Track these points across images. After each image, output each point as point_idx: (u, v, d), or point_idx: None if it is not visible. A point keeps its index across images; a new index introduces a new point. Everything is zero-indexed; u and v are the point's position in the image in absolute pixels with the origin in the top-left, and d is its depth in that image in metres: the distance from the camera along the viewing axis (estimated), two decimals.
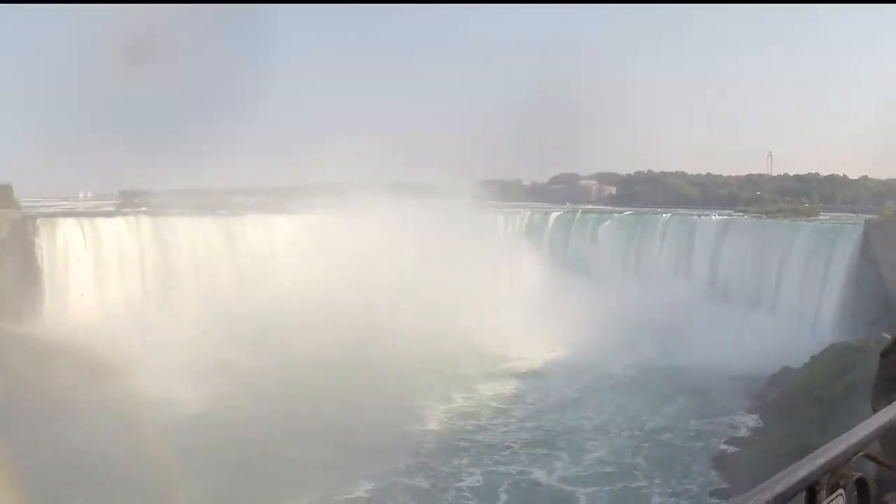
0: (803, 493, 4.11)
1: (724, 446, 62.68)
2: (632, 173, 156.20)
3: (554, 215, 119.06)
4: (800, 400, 63.57)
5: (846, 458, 4.41)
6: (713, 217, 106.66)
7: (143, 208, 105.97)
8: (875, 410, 5.75)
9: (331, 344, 79.96)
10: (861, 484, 4.49)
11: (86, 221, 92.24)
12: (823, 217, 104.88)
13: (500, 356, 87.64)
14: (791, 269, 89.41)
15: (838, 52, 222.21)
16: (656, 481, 56.82)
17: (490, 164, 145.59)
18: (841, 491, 4.33)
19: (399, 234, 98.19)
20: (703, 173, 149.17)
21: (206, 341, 79.29)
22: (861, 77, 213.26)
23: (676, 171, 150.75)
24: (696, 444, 63.62)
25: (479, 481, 57.27)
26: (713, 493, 54.70)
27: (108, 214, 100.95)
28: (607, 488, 55.88)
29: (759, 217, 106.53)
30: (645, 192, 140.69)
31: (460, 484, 56.87)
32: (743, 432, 65.74)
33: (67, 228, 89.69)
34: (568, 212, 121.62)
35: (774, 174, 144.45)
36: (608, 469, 59.10)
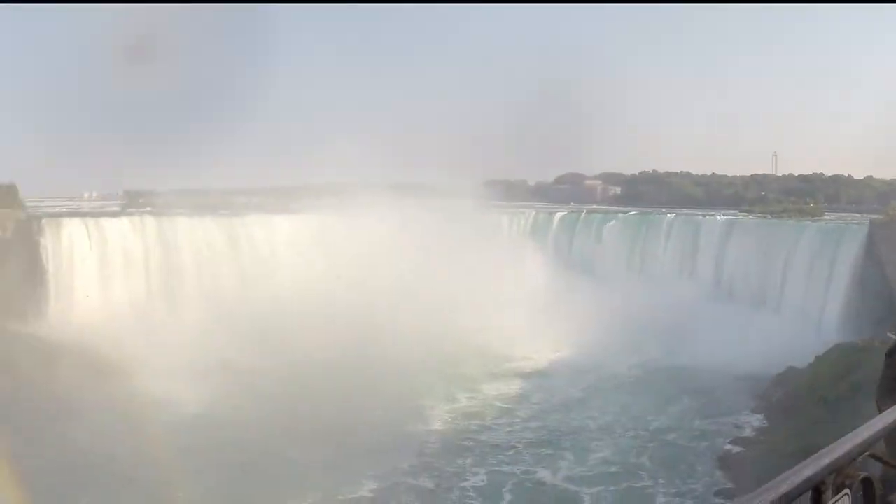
0: (808, 494, 4.09)
1: (728, 446, 62.64)
2: (636, 173, 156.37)
3: (559, 215, 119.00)
4: (805, 400, 63.50)
5: (851, 458, 4.39)
6: (718, 217, 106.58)
7: (148, 208, 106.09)
8: (880, 410, 5.72)
9: (333, 344, 79.95)
10: (866, 484, 4.47)
11: (91, 221, 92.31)
12: (828, 217, 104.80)
13: (505, 356, 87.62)
14: (796, 269, 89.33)
15: (840, 51, 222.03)
16: (661, 481, 56.80)
17: (494, 164, 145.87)
18: (846, 491, 4.31)
19: (401, 235, 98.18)
20: (708, 173, 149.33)
21: (208, 341, 79.31)
22: (863, 77, 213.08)
23: (681, 171, 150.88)
24: (701, 444, 63.57)
25: (483, 481, 57.24)
26: (718, 493, 54.67)
27: (113, 214, 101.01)
28: (612, 488, 55.84)
29: (764, 217, 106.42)
30: (650, 192, 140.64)
31: (464, 484, 56.85)
32: (748, 432, 65.67)
33: (72, 228, 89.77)
34: (573, 212, 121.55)
35: (779, 174, 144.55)
36: (613, 469, 59.07)
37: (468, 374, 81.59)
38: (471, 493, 55.48)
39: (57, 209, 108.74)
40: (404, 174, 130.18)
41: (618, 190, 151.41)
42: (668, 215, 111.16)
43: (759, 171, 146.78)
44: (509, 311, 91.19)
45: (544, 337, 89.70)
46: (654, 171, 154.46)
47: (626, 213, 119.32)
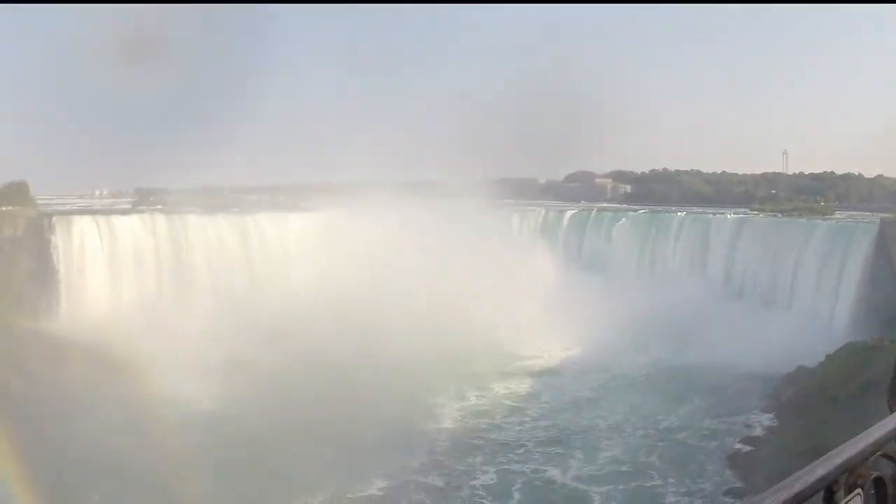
0: (821, 493, 4.10)
1: (738, 445, 62.56)
2: (647, 171, 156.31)
3: (569, 214, 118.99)
4: (815, 399, 63.37)
5: (863, 458, 4.40)
6: (728, 216, 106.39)
7: (159, 206, 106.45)
8: (891, 410, 5.76)
9: (343, 341, 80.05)
10: (879, 483, 4.48)
11: (101, 219, 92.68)
12: (839, 216, 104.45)
13: (515, 354, 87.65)
14: (806, 267, 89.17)
15: (852, 51, 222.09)
16: (670, 480, 56.75)
17: (505, 163, 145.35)
18: (859, 490, 4.32)
19: (411, 233, 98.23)
20: (719, 172, 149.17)
21: (219, 338, 79.49)
22: (875, 76, 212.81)
23: (692, 170, 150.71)
24: (711, 444, 63.49)
25: (492, 479, 57.28)
26: (727, 493, 54.60)
27: (124, 212, 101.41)
28: (621, 487, 55.83)
29: (775, 215, 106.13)
30: (660, 191, 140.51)
31: (474, 482, 56.88)
32: (758, 431, 65.56)
33: (83, 226, 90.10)
34: (583, 210, 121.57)
35: (790, 172, 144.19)
36: (622, 468, 59.05)
37: (478, 371, 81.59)
38: (480, 492, 55.51)
39: (68, 207, 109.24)
40: (414, 173, 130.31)
41: (628, 188, 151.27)
42: (679, 214, 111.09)
43: (770, 170, 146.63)
44: (519, 310, 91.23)
45: (554, 335, 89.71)
46: (664, 169, 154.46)
47: (636, 211, 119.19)
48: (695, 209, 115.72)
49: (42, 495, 50.49)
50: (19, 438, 56.50)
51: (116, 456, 56.88)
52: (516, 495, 55.16)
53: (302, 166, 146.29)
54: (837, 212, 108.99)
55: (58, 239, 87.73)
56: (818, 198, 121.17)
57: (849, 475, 4.27)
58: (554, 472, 58.59)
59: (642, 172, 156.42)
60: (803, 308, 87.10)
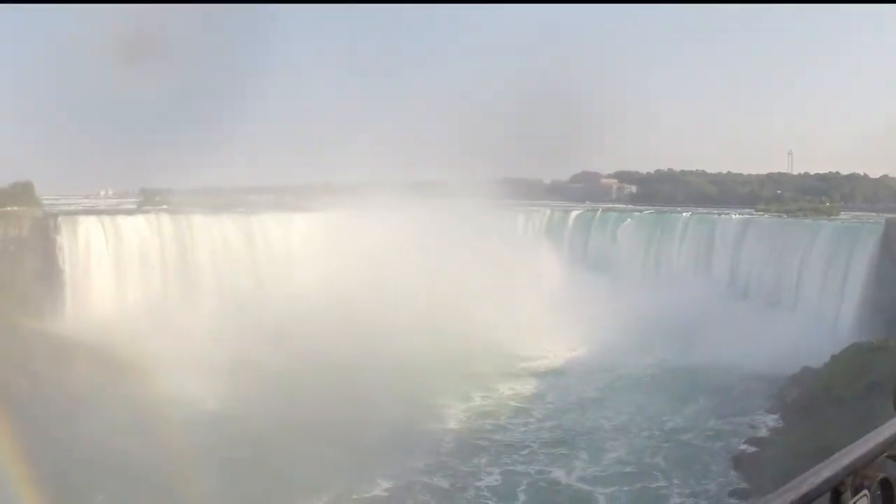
0: (827, 495, 4.09)
1: (743, 446, 62.52)
2: (652, 172, 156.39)
3: (574, 214, 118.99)
4: (820, 400, 63.29)
5: (870, 459, 4.38)
6: (733, 216, 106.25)
7: (164, 206, 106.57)
8: None
9: (348, 342, 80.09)
10: (885, 485, 4.46)
11: (107, 219, 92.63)
12: (844, 216, 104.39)
13: (520, 355, 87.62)
14: (811, 268, 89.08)
15: (856, 51, 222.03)
16: (675, 481, 56.73)
17: (510, 163, 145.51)
18: (865, 492, 4.30)
19: (416, 233, 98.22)
20: (724, 172, 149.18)
21: (224, 339, 79.52)
22: (879, 76, 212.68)
23: (697, 170, 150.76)
24: (716, 444, 63.46)
25: (497, 481, 57.27)
26: (732, 494, 54.60)
27: (129, 212, 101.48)
28: (626, 488, 55.82)
29: (780, 216, 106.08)
30: (665, 191, 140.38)
31: (479, 483, 56.88)
32: (763, 432, 65.53)
33: (89, 226, 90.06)
34: (588, 210, 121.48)
35: (795, 173, 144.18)
36: (627, 469, 59.03)
37: (483, 372, 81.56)
38: (485, 493, 55.51)
39: (73, 207, 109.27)
40: (417, 173, 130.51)
41: (633, 188, 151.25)
42: (684, 214, 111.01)
43: (775, 170, 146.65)
44: (524, 310, 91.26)
45: (559, 335, 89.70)
46: (669, 169, 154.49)
47: (641, 211, 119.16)
48: (700, 210, 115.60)
49: (47, 496, 50.54)
50: (25, 439, 56.57)
51: (121, 456, 57.00)
52: (521, 496, 55.16)
53: (303, 166, 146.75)
54: (843, 212, 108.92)
55: (63, 239, 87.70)
56: (823, 198, 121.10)
57: (855, 477, 4.25)
58: (559, 473, 58.58)
59: (647, 173, 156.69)
60: (808, 309, 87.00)
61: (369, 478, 55.85)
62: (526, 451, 62.71)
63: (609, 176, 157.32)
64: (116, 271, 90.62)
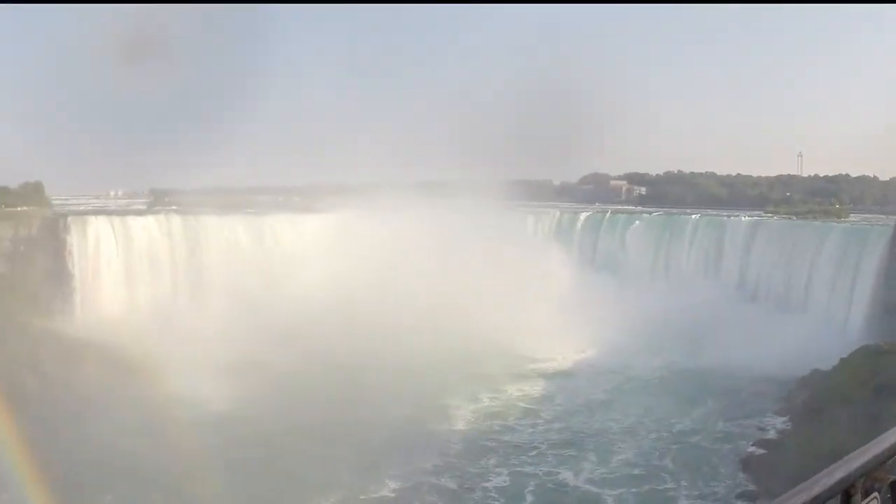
0: (838, 497, 4.11)
1: (752, 448, 62.35)
2: (661, 173, 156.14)
3: (583, 216, 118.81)
4: (829, 402, 63.01)
5: (880, 462, 4.40)
6: (743, 218, 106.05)
7: (174, 207, 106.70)
8: None
9: (356, 343, 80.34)
10: None
11: (116, 220, 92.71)
12: (853, 218, 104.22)
13: (528, 356, 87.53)
14: (821, 270, 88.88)
15: (865, 52, 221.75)
16: (683, 483, 56.66)
17: (519, 164, 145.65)
18: (876, 494, 4.32)
19: (425, 234, 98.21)
20: (733, 174, 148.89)
21: (233, 339, 79.60)
22: (889, 79, 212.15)
23: (706, 172, 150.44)
24: (724, 447, 63.36)
25: (505, 482, 57.23)
26: (741, 496, 54.55)
27: (139, 213, 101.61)
28: (634, 490, 55.75)
29: (789, 218, 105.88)
30: (675, 193, 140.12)
31: (487, 484, 56.84)
32: (772, 434, 65.38)
33: (99, 226, 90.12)
34: (597, 212, 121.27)
35: (805, 175, 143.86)
36: (636, 471, 58.96)
37: (491, 373, 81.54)
38: (493, 494, 55.48)
39: (83, 207, 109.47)
40: (423, 173, 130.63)
41: (642, 190, 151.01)
42: (693, 216, 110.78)
43: (785, 172, 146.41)
44: (533, 312, 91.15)
45: (568, 337, 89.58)
46: (678, 171, 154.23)
47: (650, 213, 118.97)
48: (709, 212, 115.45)
49: (56, 496, 50.63)
50: (34, 439, 56.69)
51: (131, 457, 57.12)
52: (529, 497, 55.12)
53: (304, 167, 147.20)
54: (852, 214, 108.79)
55: (73, 239, 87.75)
56: (832, 200, 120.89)
57: (866, 479, 4.27)
58: (567, 475, 58.53)
59: (657, 175, 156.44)
60: (818, 311, 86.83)
61: (377, 478, 55.86)
62: (534, 453, 62.67)
63: (618, 177, 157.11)
64: (126, 272, 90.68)
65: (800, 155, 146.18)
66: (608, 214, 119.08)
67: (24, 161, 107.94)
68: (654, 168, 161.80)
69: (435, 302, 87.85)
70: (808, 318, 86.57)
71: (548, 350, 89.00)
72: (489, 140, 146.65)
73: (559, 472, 58.98)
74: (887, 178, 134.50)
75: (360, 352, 79.23)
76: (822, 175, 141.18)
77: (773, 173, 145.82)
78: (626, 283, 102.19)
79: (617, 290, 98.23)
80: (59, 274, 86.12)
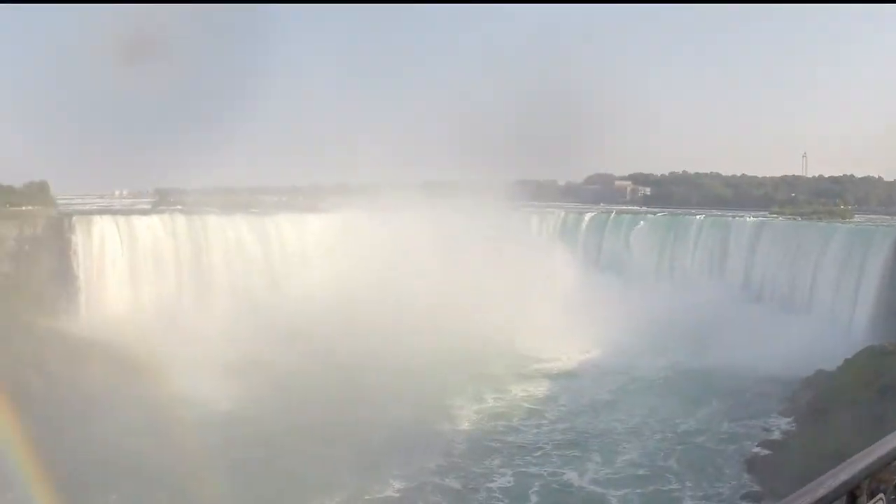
0: (843, 498, 4.10)
1: (757, 449, 62.28)
2: (666, 174, 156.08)
3: (588, 216, 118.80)
4: (834, 403, 62.98)
5: (886, 463, 4.40)
6: (747, 218, 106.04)
7: (179, 206, 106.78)
8: None
9: (360, 343, 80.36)
10: None
11: (121, 219, 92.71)
12: (858, 219, 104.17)
13: (533, 356, 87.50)
14: (825, 270, 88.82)
15: (870, 53, 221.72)
16: (688, 484, 56.59)
17: (524, 165, 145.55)
18: (881, 496, 4.32)
19: (429, 234, 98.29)
20: (738, 174, 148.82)
21: (237, 339, 79.76)
22: (891, 79, 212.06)
23: (711, 172, 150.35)
24: (729, 447, 63.27)
25: (510, 482, 57.19)
26: (745, 497, 54.49)
27: (144, 212, 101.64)
28: (639, 491, 55.70)
29: (794, 219, 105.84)
30: (680, 193, 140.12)
31: (491, 485, 56.81)
32: (776, 435, 65.29)
33: (103, 226, 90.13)
34: (602, 212, 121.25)
35: (809, 175, 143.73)
36: (640, 471, 58.89)
37: (496, 374, 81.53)
38: (497, 495, 55.44)
39: (88, 207, 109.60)
40: (429, 174, 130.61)
41: (647, 190, 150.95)
42: (698, 217, 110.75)
43: (790, 173, 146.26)
44: (538, 312, 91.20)
45: (573, 337, 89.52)
46: (683, 171, 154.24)
47: (655, 214, 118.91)
48: (714, 212, 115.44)
49: (61, 496, 50.68)
50: (39, 439, 56.76)
51: (135, 457, 57.11)
52: (533, 498, 55.09)
53: (305, 167, 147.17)
54: (857, 215, 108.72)
55: (78, 239, 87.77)
56: (837, 201, 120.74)
57: (871, 480, 4.27)
58: (571, 475, 58.48)
59: (661, 175, 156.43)
60: (822, 312, 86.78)
61: (381, 478, 55.84)
62: (539, 453, 62.63)
63: (623, 178, 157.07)
64: (131, 271, 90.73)
65: (804, 156, 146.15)
66: (613, 215, 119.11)
67: (25, 161, 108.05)
68: (659, 168, 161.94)
69: (439, 302, 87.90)
70: (812, 319, 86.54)
71: (552, 350, 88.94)
72: (490, 140, 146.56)
73: (564, 473, 58.93)
74: (892, 179, 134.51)
75: (362, 352, 79.24)
76: (826, 176, 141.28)
77: (777, 174, 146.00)
78: (630, 283, 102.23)
79: (621, 291, 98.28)
80: (63, 273, 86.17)
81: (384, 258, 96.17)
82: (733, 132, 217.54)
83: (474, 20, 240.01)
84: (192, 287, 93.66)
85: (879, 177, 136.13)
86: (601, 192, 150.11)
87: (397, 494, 54.35)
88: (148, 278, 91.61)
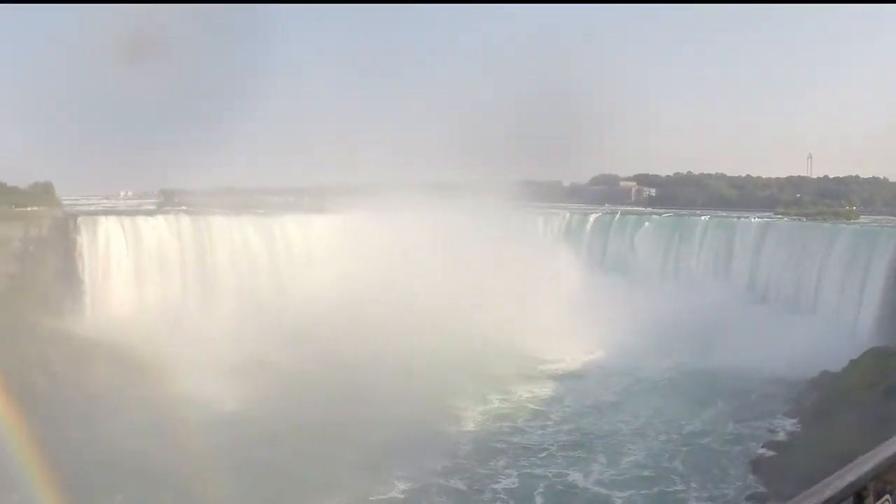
0: (850, 499, 4.10)
1: (762, 450, 62.14)
2: (671, 175, 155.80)
3: (593, 217, 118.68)
4: (839, 404, 62.85)
5: (892, 464, 4.39)
6: (753, 219, 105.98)
7: (184, 207, 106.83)
8: None
9: (366, 344, 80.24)
10: None
11: (126, 220, 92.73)
12: (864, 220, 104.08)
13: (537, 357, 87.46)
14: (831, 271, 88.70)
15: (875, 54, 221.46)
16: (693, 485, 56.55)
17: (529, 165, 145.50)
18: (888, 496, 4.31)
19: (434, 235, 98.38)
20: (743, 175, 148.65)
21: (243, 340, 79.81)
22: (891, 80, 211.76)
23: (716, 173, 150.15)
24: (734, 448, 63.21)
25: (515, 483, 57.17)
26: (750, 498, 54.39)
27: (149, 213, 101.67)
28: (644, 492, 55.67)
29: (799, 219, 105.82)
30: (685, 194, 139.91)
31: (496, 486, 56.78)
32: (781, 436, 65.20)
33: (109, 227, 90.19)
34: (607, 213, 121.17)
35: (815, 176, 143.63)
36: (645, 473, 58.86)
37: (500, 374, 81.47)
38: (502, 496, 55.42)
39: (93, 207, 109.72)
40: (430, 174, 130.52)
41: (652, 191, 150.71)
42: (703, 218, 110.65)
43: (795, 174, 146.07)
44: (542, 313, 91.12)
45: (578, 338, 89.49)
46: (688, 172, 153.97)
47: (660, 214, 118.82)
48: (719, 213, 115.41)
49: (66, 496, 50.72)
50: (44, 439, 56.78)
51: (140, 457, 57.19)
52: (538, 499, 55.06)
53: (305, 167, 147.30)
54: (862, 216, 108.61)
55: (83, 239, 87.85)
56: (842, 202, 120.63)
57: (877, 481, 4.26)
58: (576, 477, 58.45)
59: (666, 176, 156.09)
60: (827, 312, 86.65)
61: (386, 479, 55.85)
62: (543, 454, 62.61)
63: (628, 179, 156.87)
64: (136, 272, 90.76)
65: (809, 157, 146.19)
66: (618, 216, 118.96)
67: (26, 161, 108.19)
68: (664, 169, 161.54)
69: (443, 303, 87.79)
70: (817, 320, 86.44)
71: (557, 351, 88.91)
72: (490, 140, 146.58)
73: (569, 474, 58.91)
74: None
75: (367, 353, 79.15)
76: (832, 176, 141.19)
77: (783, 175, 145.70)
78: (635, 284, 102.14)
79: (626, 292, 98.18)
80: (69, 274, 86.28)
81: (388, 259, 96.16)
82: (734, 132, 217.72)
83: (474, 20, 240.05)
84: (198, 288, 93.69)
85: (885, 178, 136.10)
86: (606, 192, 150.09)
87: (402, 495, 54.35)
88: (153, 279, 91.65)
